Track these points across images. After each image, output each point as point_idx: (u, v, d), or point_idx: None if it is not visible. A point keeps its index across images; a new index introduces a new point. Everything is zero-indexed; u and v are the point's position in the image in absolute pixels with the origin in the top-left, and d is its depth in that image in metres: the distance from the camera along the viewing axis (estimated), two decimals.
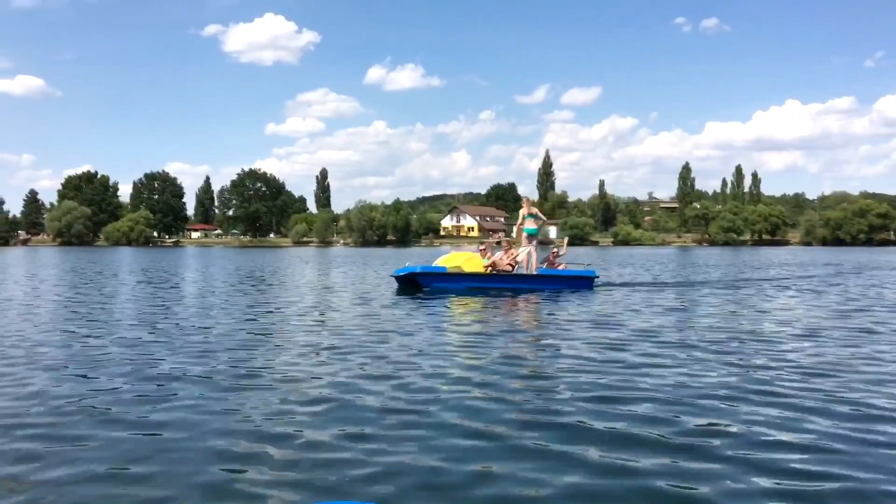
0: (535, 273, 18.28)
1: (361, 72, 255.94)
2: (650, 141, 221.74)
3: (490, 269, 17.97)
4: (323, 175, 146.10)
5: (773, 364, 7.58)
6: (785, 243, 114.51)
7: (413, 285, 17.91)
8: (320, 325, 11.01)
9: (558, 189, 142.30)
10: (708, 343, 9.05)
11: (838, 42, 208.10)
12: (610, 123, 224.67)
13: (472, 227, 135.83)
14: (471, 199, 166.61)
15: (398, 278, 18.70)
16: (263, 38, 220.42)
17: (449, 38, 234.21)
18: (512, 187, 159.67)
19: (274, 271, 28.85)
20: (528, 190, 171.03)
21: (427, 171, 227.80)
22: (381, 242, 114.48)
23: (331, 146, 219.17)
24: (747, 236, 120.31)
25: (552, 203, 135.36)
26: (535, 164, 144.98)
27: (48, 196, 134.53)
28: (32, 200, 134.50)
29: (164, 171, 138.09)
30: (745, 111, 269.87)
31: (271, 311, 13.15)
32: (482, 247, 19.10)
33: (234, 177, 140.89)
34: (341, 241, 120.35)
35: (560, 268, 19.08)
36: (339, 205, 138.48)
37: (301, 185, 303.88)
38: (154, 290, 18.64)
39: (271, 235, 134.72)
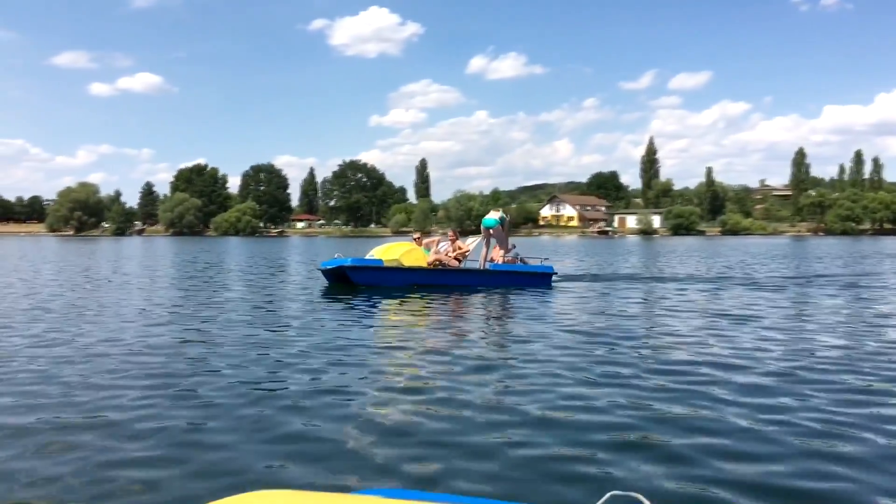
0: (485, 268, 16.24)
1: (464, 62, 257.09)
2: (763, 126, 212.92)
3: (434, 263, 15.93)
4: (422, 165, 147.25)
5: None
6: None
7: (344, 281, 15.38)
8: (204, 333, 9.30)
9: (663, 177, 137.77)
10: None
11: None
12: (720, 108, 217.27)
13: (572, 217, 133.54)
14: (571, 189, 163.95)
15: (326, 272, 15.92)
16: (368, 30, 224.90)
17: (553, 25, 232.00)
18: (614, 175, 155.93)
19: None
20: (631, 179, 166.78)
21: (528, 160, 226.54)
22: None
23: (433, 137, 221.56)
24: (867, 225, 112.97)
25: (656, 192, 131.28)
26: (640, 152, 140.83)
27: (164, 188, 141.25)
28: (148, 192, 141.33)
29: (269, 163, 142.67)
30: (867, 93, 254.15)
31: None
32: (416, 236, 17.27)
33: (336, 168, 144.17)
34: (440, 232, 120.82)
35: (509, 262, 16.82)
36: (440, 195, 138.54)
37: (403, 176, 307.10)
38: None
39: (372, 226, 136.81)
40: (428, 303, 13.00)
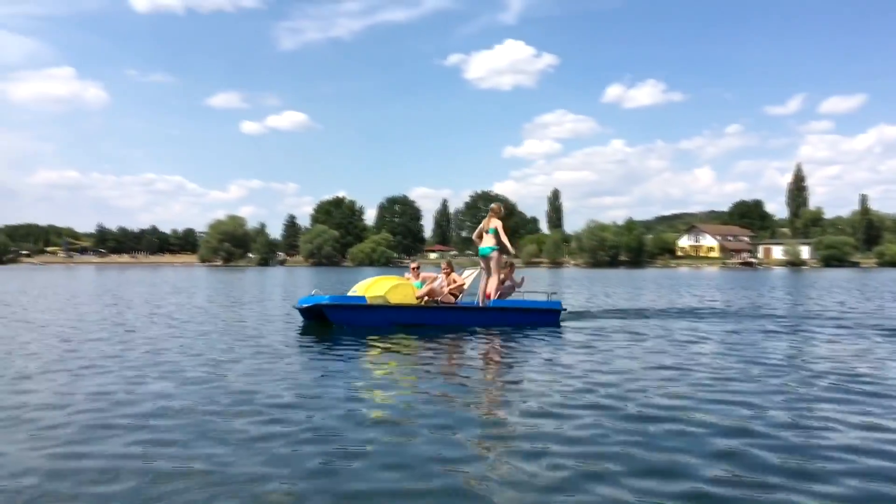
0: (484, 305, 14.28)
1: (599, 91, 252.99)
2: None
3: (425, 299, 14.01)
4: (555, 195, 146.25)
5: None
6: None
7: (323, 320, 13.64)
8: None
9: (813, 205, 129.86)
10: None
11: None
12: (877, 133, 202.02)
13: (713, 248, 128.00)
14: (712, 218, 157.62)
15: (303, 311, 14.17)
16: (503, 63, 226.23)
17: (692, 50, 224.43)
18: (758, 204, 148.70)
19: None
20: (777, 208, 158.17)
21: (666, 189, 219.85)
22: (613, 263, 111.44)
23: (567, 167, 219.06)
24: None
25: (804, 220, 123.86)
26: (787, 180, 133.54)
27: (307, 221, 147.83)
28: (291, 224, 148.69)
29: (404, 195, 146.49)
30: None
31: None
32: (414, 265, 15.32)
33: (468, 199, 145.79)
34: (571, 262, 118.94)
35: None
36: (574, 225, 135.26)
37: (536, 207, 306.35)
38: None
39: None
40: (417, 348, 11.16)
